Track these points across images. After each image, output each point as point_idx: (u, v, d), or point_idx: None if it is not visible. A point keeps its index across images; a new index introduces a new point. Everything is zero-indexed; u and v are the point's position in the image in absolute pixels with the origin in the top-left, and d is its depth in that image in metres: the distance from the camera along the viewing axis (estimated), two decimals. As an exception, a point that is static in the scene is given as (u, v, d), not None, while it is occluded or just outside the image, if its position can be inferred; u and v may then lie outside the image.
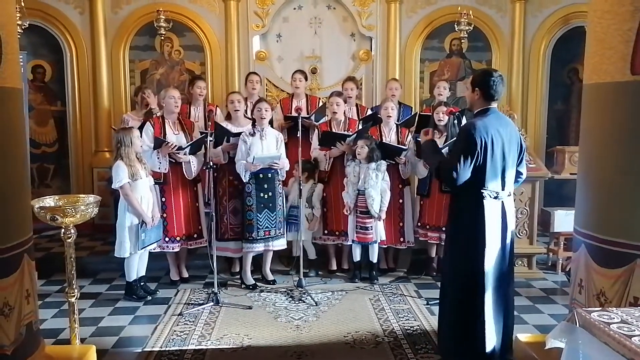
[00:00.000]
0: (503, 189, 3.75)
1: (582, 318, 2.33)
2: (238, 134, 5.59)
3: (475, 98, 3.79)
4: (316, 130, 6.01)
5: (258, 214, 5.59)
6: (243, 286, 5.71)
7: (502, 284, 3.79)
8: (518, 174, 3.93)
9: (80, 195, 3.86)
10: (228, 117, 5.98)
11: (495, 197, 3.72)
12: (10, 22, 2.98)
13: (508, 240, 3.83)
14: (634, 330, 2.16)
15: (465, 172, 3.60)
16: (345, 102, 6.05)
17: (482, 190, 3.69)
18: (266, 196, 5.61)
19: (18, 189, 3.05)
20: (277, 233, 5.70)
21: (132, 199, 5.01)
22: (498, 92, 3.73)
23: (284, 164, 5.68)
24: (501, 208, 3.76)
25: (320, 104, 6.67)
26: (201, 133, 5.75)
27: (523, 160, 3.95)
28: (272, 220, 5.64)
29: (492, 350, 3.75)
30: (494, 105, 3.78)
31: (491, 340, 3.73)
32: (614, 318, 2.28)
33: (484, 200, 3.69)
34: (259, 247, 5.68)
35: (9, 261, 2.93)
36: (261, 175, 5.58)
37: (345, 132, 5.84)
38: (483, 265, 3.70)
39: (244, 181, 5.55)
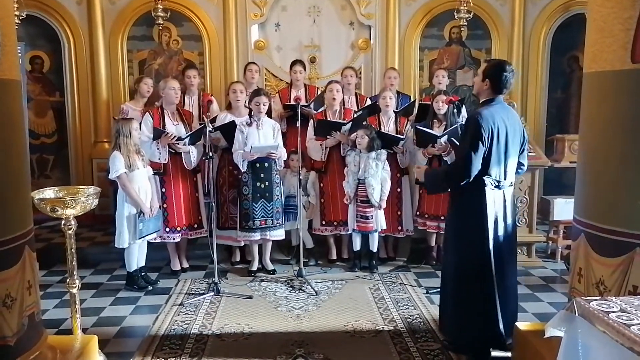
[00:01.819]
0: (505, 179, 3.81)
1: (581, 307, 2.34)
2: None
3: (484, 87, 3.83)
4: (311, 120, 6.00)
5: (254, 204, 5.60)
6: (252, 275, 5.76)
7: (504, 271, 3.83)
8: (519, 164, 3.98)
9: (81, 187, 3.84)
10: (228, 107, 5.97)
11: (497, 186, 3.77)
12: (8, 14, 2.96)
13: (510, 229, 3.87)
14: (633, 319, 2.16)
15: (477, 162, 3.65)
16: (343, 88, 6.04)
17: (484, 178, 3.73)
18: (263, 186, 5.61)
19: (18, 180, 3.05)
20: (274, 223, 5.70)
21: (129, 189, 5.02)
22: (507, 86, 3.79)
23: (282, 153, 5.68)
24: (502, 197, 3.81)
25: (319, 92, 6.67)
26: (200, 123, 5.75)
27: (525, 151, 3.99)
28: (269, 210, 5.65)
29: (497, 335, 3.80)
30: (501, 97, 3.83)
31: (495, 325, 3.79)
32: (613, 307, 2.29)
33: (486, 189, 3.74)
34: (256, 237, 5.70)
35: (10, 253, 2.93)
36: (258, 165, 5.59)
37: (341, 121, 5.83)
38: (487, 253, 3.76)
39: (242, 170, 5.55)
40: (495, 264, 3.78)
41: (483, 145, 3.63)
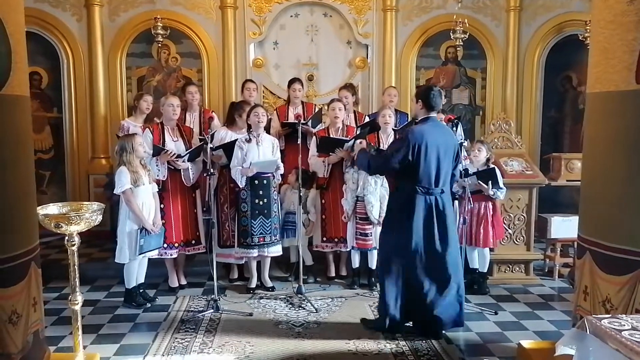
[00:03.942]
0: (436, 186, 4.43)
1: (592, 325, 2.36)
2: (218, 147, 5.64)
3: (418, 108, 4.56)
4: (314, 137, 6.02)
5: (252, 221, 5.59)
6: (251, 292, 5.73)
7: (432, 266, 4.45)
8: (453, 176, 4.63)
9: (84, 203, 3.82)
10: (228, 123, 5.98)
11: (427, 192, 4.40)
12: (19, 31, 2.98)
13: (447, 230, 4.46)
14: (645, 337, 2.19)
15: (394, 161, 4.41)
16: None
17: (415, 186, 4.38)
18: (261, 202, 5.61)
19: (25, 196, 3.05)
20: (272, 239, 5.70)
21: (133, 204, 5.00)
22: (436, 103, 4.51)
23: (280, 167, 5.72)
24: (435, 201, 4.42)
25: (316, 110, 6.71)
26: (200, 140, 5.76)
27: (459, 165, 4.68)
28: (267, 227, 5.64)
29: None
30: (434, 114, 4.53)
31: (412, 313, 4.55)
32: (624, 325, 2.31)
33: (416, 195, 4.39)
34: (254, 253, 5.69)
35: (17, 269, 2.92)
36: (256, 182, 5.59)
37: (343, 138, 5.86)
38: (410, 247, 4.42)
39: (241, 187, 5.55)
40: (419, 258, 4.43)
41: (404, 153, 4.33)
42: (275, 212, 5.72)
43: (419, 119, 4.56)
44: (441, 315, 4.47)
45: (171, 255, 5.71)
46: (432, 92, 4.46)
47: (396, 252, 4.50)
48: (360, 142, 5.40)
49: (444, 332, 4.59)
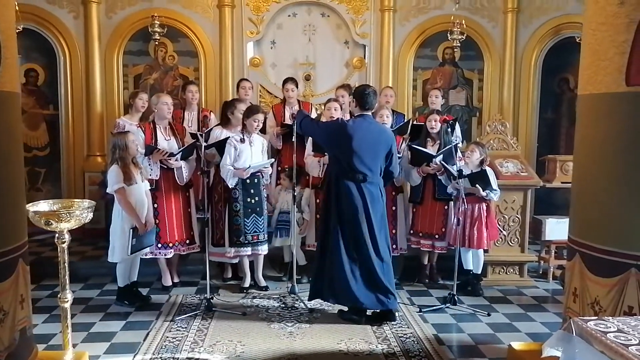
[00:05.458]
0: (364, 178, 4.71)
1: (578, 327, 2.35)
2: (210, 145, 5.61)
3: (353, 106, 4.94)
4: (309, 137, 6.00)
5: (245, 219, 5.60)
6: (244, 292, 5.73)
7: (357, 249, 4.77)
8: (389, 172, 4.94)
9: (75, 200, 3.80)
10: (224, 123, 5.97)
11: (354, 181, 4.69)
12: (10, 27, 2.97)
13: (372, 217, 4.72)
14: (631, 340, 2.18)
15: (312, 130, 5.14)
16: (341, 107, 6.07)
17: (344, 175, 4.71)
18: (253, 201, 5.63)
19: (15, 193, 3.04)
20: (264, 237, 5.74)
21: (125, 203, 4.98)
22: (369, 102, 4.80)
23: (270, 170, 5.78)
24: (362, 190, 4.70)
25: (313, 110, 6.70)
26: (192, 136, 5.74)
27: (393, 162, 4.92)
28: (260, 225, 5.67)
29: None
30: (368, 113, 4.84)
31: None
32: (610, 327, 2.30)
33: (343, 182, 4.71)
34: (247, 252, 5.69)
35: (4, 266, 2.91)
36: (248, 181, 5.60)
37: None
38: (338, 229, 4.76)
39: (230, 187, 5.54)
40: (346, 240, 4.75)
41: (332, 130, 4.88)
42: (265, 210, 5.76)
43: (355, 115, 4.91)
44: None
45: (166, 255, 5.69)
46: (366, 92, 4.78)
47: (328, 232, 4.85)
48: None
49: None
